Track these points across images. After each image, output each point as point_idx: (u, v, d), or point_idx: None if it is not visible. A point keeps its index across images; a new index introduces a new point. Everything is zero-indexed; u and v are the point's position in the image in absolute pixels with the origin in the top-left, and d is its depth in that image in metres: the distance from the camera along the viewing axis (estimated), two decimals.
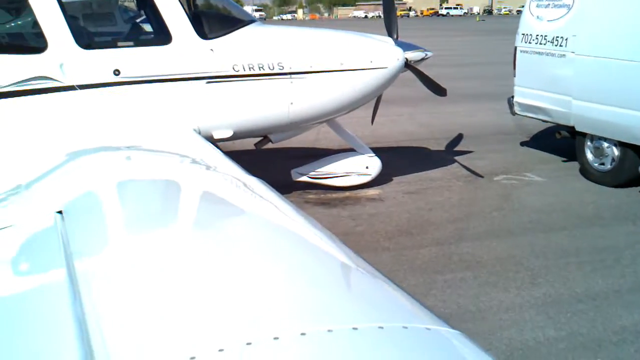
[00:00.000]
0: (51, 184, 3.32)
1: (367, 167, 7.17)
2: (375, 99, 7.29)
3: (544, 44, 8.47)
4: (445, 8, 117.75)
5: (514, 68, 9.08)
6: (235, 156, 6.96)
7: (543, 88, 8.51)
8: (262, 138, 6.77)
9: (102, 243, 2.28)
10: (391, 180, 7.67)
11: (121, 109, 5.49)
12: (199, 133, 5.54)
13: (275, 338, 1.39)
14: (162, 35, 5.77)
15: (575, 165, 8.24)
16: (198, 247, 2.15)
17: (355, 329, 1.45)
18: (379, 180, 7.37)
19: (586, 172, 7.99)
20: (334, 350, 1.41)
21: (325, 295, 1.74)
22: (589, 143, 7.97)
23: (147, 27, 6.54)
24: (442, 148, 9.33)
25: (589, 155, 7.95)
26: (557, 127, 8.58)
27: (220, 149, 7.23)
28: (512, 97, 9.16)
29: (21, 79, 5.25)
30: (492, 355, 1.52)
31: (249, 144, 7.05)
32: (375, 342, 1.45)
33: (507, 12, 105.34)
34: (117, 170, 3.63)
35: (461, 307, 4.72)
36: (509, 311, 4.67)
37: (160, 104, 5.67)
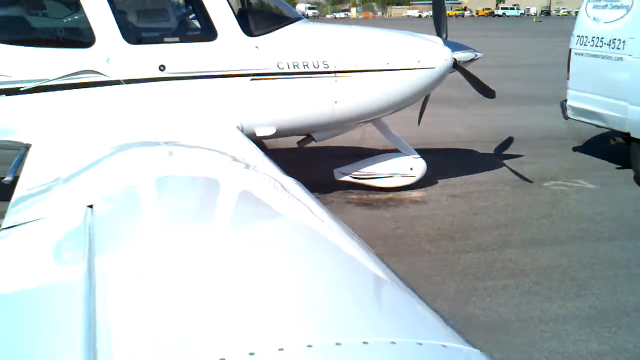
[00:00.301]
0: (88, 178, 3.34)
1: (411, 169, 7.06)
2: (422, 99, 7.17)
3: (600, 47, 8.20)
4: (502, 8, 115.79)
5: (568, 71, 8.83)
6: (279, 154, 7.00)
7: (598, 92, 8.25)
8: (305, 136, 6.73)
9: (126, 239, 2.26)
10: (436, 182, 7.53)
11: (165, 105, 5.53)
12: (242, 130, 5.53)
13: (280, 349, 1.33)
14: (207, 32, 5.78)
15: (629, 172, 7.94)
16: (221, 250, 2.11)
17: (365, 343, 1.37)
18: (423, 183, 7.24)
19: None
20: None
21: (339, 306, 1.66)
22: None
23: (194, 24, 6.57)
24: (491, 151, 9.12)
25: None
26: (612, 133, 8.30)
27: (264, 147, 7.28)
28: (565, 100, 8.90)
29: (69, 73, 5.33)
30: None
31: (292, 142, 7.00)
32: (385, 358, 1.36)
33: (566, 13, 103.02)
34: (156, 166, 3.64)
35: (501, 316, 4.57)
36: (551, 322, 4.51)
37: (204, 100, 5.69)
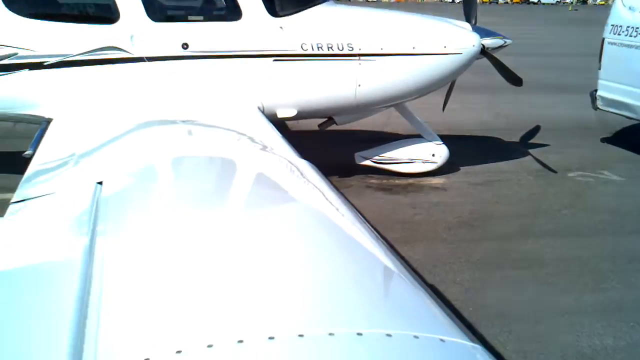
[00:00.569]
0: (103, 154, 3.35)
1: (433, 155, 6.98)
2: (448, 85, 7.08)
3: (635, 37, 8.00)
4: None
5: (600, 60, 8.64)
6: (301, 136, 6.96)
7: (629, 83, 8.07)
8: (326, 119, 6.69)
9: (131, 218, 2.25)
10: (458, 170, 7.44)
11: (187, 83, 5.53)
12: (263, 111, 5.51)
13: (271, 338, 1.30)
14: (232, 11, 5.75)
15: None
16: (223, 233, 2.08)
17: (359, 334, 1.33)
18: (445, 169, 7.16)
19: None
20: (332, 355, 1.30)
21: (335, 295, 1.61)
22: None
23: (218, 3, 6.54)
24: (517, 140, 8.98)
25: None
26: None
27: (286, 128, 7.26)
28: (595, 90, 8.72)
29: (92, 49, 5.35)
30: None
31: (314, 124, 6.97)
32: (380, 350, 1.33)
33: (603, 2, 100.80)
34: (172, 145, 3.63)
35: (516, 308, 4.51)
36: (567, 315, 4.44)
37: (226, 79, 5.67)
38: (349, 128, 7.30)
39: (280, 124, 5.71)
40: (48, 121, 4.72)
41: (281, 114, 5.95)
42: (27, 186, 2.71)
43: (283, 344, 1.29)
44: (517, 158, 8.07)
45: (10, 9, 5.24)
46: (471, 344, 1.41)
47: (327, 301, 1.56)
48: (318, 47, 5.93)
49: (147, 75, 5.43)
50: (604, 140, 9.23)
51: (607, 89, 8.50)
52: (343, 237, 2.17)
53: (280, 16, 5.82)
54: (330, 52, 5.98)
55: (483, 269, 5.06)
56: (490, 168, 7.66)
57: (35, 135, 4.58)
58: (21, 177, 2.97)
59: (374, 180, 7.01)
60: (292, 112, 6.02)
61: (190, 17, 5.88)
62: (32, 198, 2.48)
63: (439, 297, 1.74)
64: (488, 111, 11.02)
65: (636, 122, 8.50)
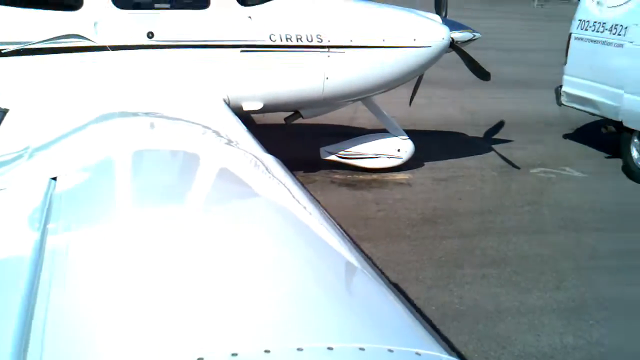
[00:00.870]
0: (60, 148, 3.24)
1: (398, 150, 6.96)
2: (416, 78, 7.05)
3: (601, 32, 8.04)
4: None
5: (566, 56, 8.69)
6: (266, 130, 6.88)
7: (594, 79, 8.11)
8: (293, 113, 6.62)
9: (86, 215, 2.17)
10: (422, 165, 7.44)
11: (151, 74, 5.41)
12: (228, 103, 5.42)
13: (234, 354, 1.24)
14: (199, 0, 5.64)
15: (618, 162, 7.87)
16: (187, 232, 2.01)
17: (330, 348, 1.27)
18: (409, 165, 7.15)
19: (630, 170, 7.62)
20: None
21: (302, 304, 1.53)
22: (635, 140, 7.60)
23: None
24: (481, 135, 9.01)
25: (635, 154, 7.59)
26: (604, 121, 8.20)
27: (252, 122, 7.17)
28: (560, 86, 8.78)
29: (54, 36, 5.20)
30: None
31: (280, 117, 6.90)
32: None
33: None
34: (133, 138, 3.54)
35: (478, 306, 4.54)
36: (529, 314, 4.48)
37: (192, 70, 5.56)
38: (315, 122, 7.25)
39: (245, 118, 5.63)
40: (4, 112, 4.57)
41: (247, 107, 5.86)
42: None
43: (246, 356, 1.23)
44: (481, 154, 8.10)
45: None
46: (448, 357, 1.37)
47: (295, 312, 1.47)
48: (287, 38, 5.85)
49: (110, 65, 5.30)
50: (566, 136, 9.32)
51: (571, 85, 8.54)
52: (312, 240, 2.09)
53: (249, 5, 5.72)
54: (299, 43, 5.90)
55: (446, 266, 5.07)
56: (454, 164, 7.68)
57: None
58: None
59: (338, 175, 6.97)
60: (258, 105, 5.94)
61: (156, 5, 5.73)
62: None
63: (402, 295, 1.68)
64: (453, 106, 11.03)
65: (598, 118, 8.59)
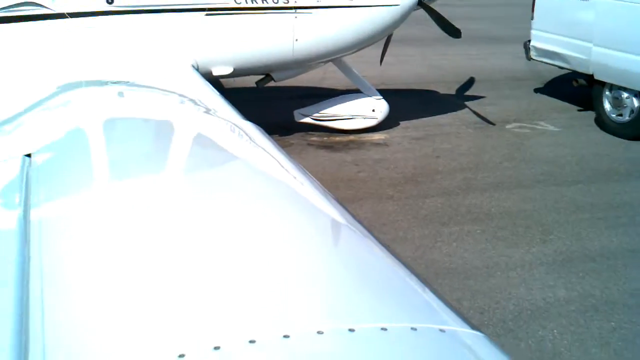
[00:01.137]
0: (27, 122, 3.02)
1: (373, 110, 6.83)
2: (385, 38, 6.92)
3: None
4: None
5: (533, 10, 8.62)
6: (236, 94, 6.68)
7: (562, 33, 8.07)
8: (264, 76, 6.44)
9: (68, 190, 1.99)
10: (398, 124, 7.32)
11: (114, 41, 5.16)
12: (197, 69, 5.22)
13: (252, 341, 1.10)
14: None
15: (591, 115, 7.87)
16: (176, 205, 1.84)
17: (352, 330, 1.15)
18: (384, 124, 7.02)
19: (602, 123, 7.62)
20: (322, 355, 1.12)
21: (319, 286, 1.37)
22: (607, 93, 7.58)
23: None
24: (453, 92, 8.93)
25: (607, 106, 7.58)
26: (574, 75, 8.18)
27: (221, 86, 6.96)
28: (529, 41, 8.71)
29: (7, 5, 4.92)
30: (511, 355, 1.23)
31: (250, 81, 6.70)
32: (375, 346, 1.14)
33: None
34: (104, 108, 3.33)
35: (467, 263, 4.48)
36: (518, 268, 4.43)
37: (156, 36, 5.34)
38: (286, 85, 7.06)
39: (214, 82, 5.43)
40: None
41: (217, 71, 5.69)
42: None
43: (266, 347, 1.09)
44: (454, 111, 8.02)
45: None
46: (473, 332, 1.26)
47: (313, 294, 1.33)
48: (252, 0, 5.65)
49: (69, 33, 5.03)
50: (537, 90, 9.30)
51: (539, 39, 8.49)
52: (314, 212, 1.91)
53: None
54: (265, 4, 5.74)
55: (431, 225, 4.99)
56: (429, 122, 7.59)
57: None
58: None
59: (314, 137, 6.82)
60: (228, 70, 5.77)
61: None
62: None
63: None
64: (422, 63, 10.93)
65: (568, 71, 8.56)
